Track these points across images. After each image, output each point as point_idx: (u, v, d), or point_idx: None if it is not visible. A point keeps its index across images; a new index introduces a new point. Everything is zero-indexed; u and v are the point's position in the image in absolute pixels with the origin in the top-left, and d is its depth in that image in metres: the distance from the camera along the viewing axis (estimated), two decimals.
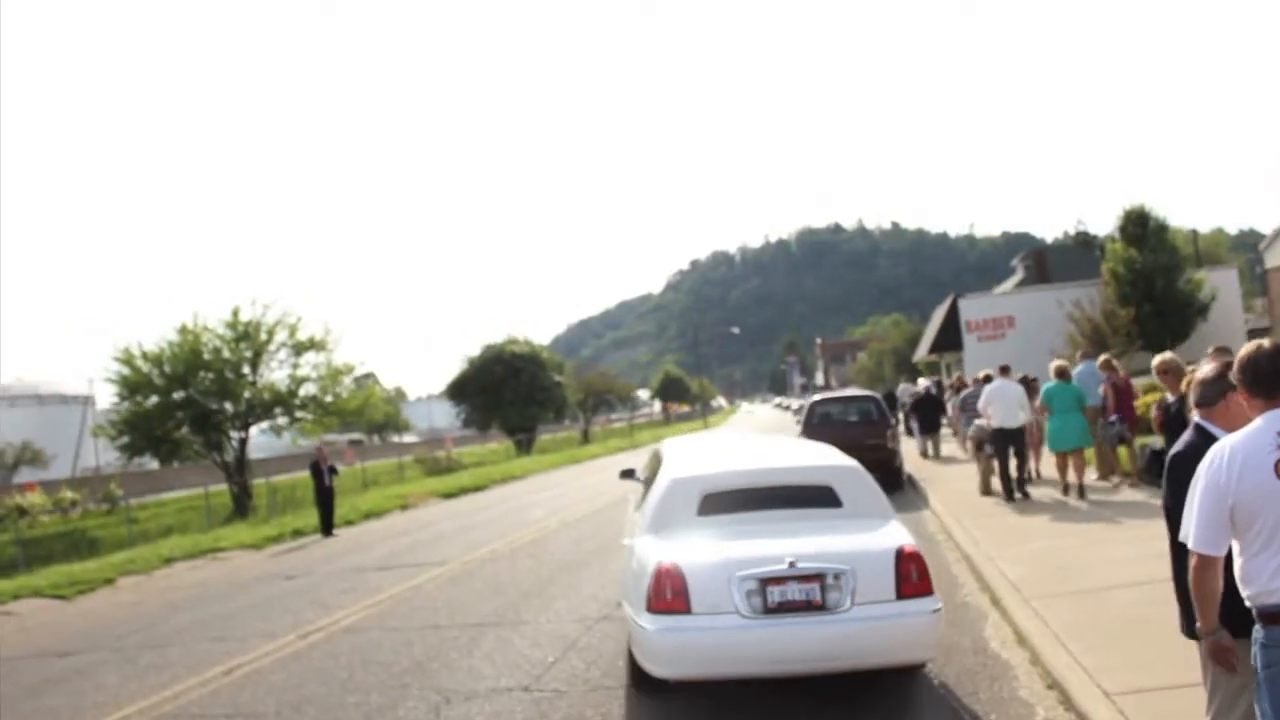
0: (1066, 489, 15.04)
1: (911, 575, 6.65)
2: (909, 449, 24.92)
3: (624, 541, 8.71)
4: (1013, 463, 15.62)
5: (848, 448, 19.29)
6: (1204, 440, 4.13)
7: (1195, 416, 4.39)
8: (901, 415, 37.60)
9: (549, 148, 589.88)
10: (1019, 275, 59.21)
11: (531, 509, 23.16)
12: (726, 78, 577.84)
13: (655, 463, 9.56)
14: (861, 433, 19.82)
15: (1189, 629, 4.16)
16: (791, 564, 6.47)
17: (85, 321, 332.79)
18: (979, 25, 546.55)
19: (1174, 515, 4.10)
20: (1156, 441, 13.69)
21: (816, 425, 20.58)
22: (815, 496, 7.59)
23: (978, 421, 16.82)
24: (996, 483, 15.97)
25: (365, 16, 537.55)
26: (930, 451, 26.38)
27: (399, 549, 18.24)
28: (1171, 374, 9.53)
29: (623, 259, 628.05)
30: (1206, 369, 4.37)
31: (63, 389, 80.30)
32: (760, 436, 14.90)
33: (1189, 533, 3.75)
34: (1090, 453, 16.04)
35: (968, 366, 34.95)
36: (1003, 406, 15.65)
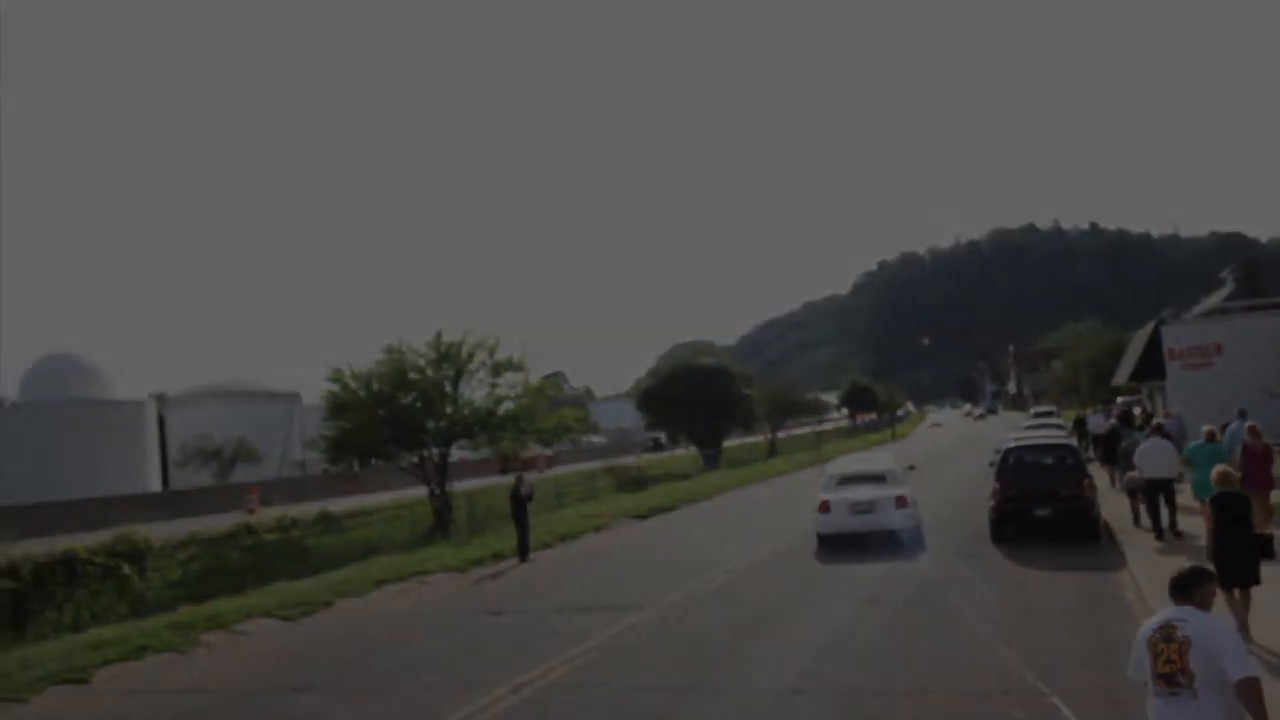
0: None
1: (904, 503, 20.84)
2: (1100, 479, 24.75)
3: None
4: (1164, 509, 18.80)
5: (1042, 497, 19.49)
6: None
7: None
8: (1090, 444, 36.79)
9: (744, 146, 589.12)
10: (1228, 287, 56.30)
11: (723, 542, 23.87)
12: (916, 74, 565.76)
13: (825, 470, 24.32)
14: (1057, 482, 19.84)
15: None
16: (863, 500, 20.87)
17: (285, 319, 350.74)
18: (1174, 11, 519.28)
19: None
20: None
21: (1011, 466, 20.72)
22: (876, 478, 21.84)
23: (1130, 474, 20.30)
24: (1145, 519, 19.42)
25: (545, 28, 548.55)
26: (1118, 483, 26.35)
27: (596, 585, 19.13)
28: None
29: (810, 260, 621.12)
30: None
31: (270, 386, 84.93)
32: (870, 454, 35.59)
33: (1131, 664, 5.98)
34: None
35: (1170, 397, 33.79)
36: (1152, 461, 18.92)
